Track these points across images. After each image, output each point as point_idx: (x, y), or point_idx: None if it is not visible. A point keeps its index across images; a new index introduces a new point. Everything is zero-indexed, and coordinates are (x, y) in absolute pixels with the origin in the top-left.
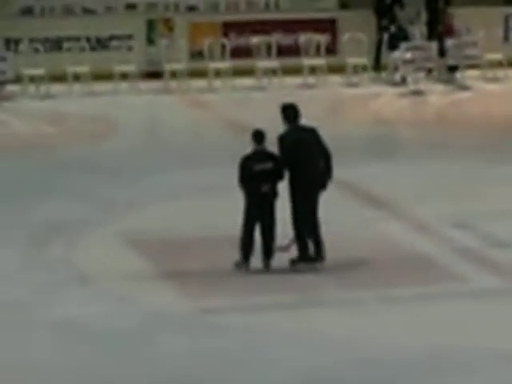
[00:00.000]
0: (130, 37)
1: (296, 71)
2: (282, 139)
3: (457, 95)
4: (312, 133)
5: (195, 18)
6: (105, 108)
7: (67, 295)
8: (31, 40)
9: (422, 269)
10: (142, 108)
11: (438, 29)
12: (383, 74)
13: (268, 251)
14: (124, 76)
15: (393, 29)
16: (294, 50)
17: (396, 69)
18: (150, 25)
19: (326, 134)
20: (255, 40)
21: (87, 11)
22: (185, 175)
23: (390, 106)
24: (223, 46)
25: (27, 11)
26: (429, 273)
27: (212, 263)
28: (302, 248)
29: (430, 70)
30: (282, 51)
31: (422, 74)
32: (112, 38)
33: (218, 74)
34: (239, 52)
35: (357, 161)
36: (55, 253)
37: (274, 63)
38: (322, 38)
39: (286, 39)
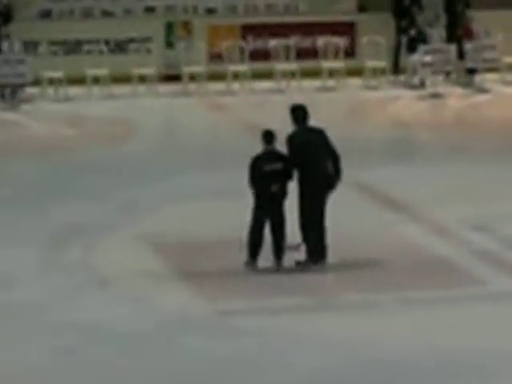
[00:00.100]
0: (148, 39)
1: (315, 74)
2: (290, 139)
3: (475, 98)
4: (320, 134)
5: (214, 20)
6: (123, 111)
7: (86, 297)
8: (50, 43)
9: (440, 272)
10: (161, 111)
11: (457, 32)
12: (402, 77)
13: (278, 250)
14: (142, 79)
15: (412, 32)
16: (312, 53)
17: (415, 72)
18: (169, 27)
19: (344, 137)
20: (274, 43)
21: (106, 14)
22: (203, 178)
23: (408, 109)
24: (242, 49)
25: (46, 14)
26: (447, 276)
27: (230, 265)
28: (310, 249)
29: (448, 73)
30: (301, 54)
31: (440, 77)
32: (131, 40)
33: (236, 76)
34: (258, 55)
35: (375, 163)
36: (74, 255)
37: (292, 66)
38: (341, 41)
39: (304, 42)
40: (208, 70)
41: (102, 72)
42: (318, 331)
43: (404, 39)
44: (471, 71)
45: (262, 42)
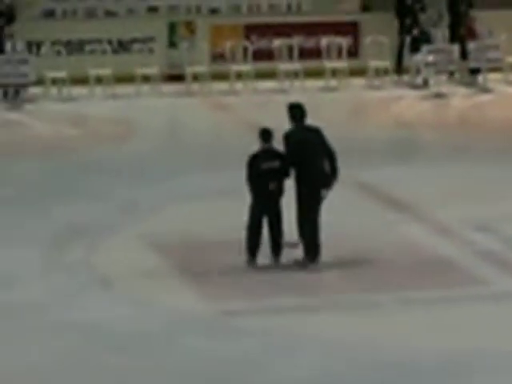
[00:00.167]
0: (151, 39)
1: (318, 74)
2: (287, 137)
3: (479, 98)
4: (316, 133)
5: (217, 20)
6: (126, 110)
7: (88, 297)
8: (53, 42)
9: (443, 272)
10: (164, 111)
11: (460, 31)
12: (405, 77)
13: (276, 247)
14: (146, 78)
15: (415, 32)
16: (315, 53)
17: (418, 71)
18: (172, 27)
19: (347, 137)
20: (277, 43)
21: (109, 14)
22: (206, 177)
23: (411, 109)
24: (245, 49)
25: (49, 14)
26: (450, 276)
27: (233, 266)
28: (306, 245)
29: (451, 73)
30: (304, 54)
31: (443, 77)
32: (134, 40)
33: (239, 76)
34: (261, 55)
35: (379, 163)
36: (77, 255)
37: (295, 66)
38: (344, 41)
39: (307, 42)
40: (211, 70)
41: (105, 72)
42: (318, 331)
43: (407, 39)
44: (474, 71)
45: (265, 42)
